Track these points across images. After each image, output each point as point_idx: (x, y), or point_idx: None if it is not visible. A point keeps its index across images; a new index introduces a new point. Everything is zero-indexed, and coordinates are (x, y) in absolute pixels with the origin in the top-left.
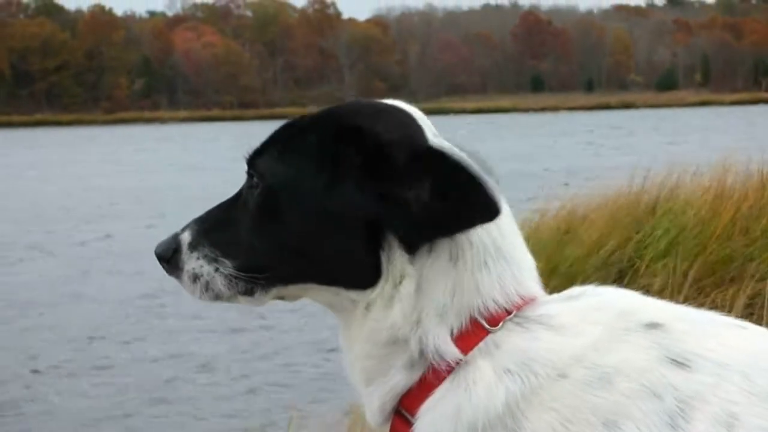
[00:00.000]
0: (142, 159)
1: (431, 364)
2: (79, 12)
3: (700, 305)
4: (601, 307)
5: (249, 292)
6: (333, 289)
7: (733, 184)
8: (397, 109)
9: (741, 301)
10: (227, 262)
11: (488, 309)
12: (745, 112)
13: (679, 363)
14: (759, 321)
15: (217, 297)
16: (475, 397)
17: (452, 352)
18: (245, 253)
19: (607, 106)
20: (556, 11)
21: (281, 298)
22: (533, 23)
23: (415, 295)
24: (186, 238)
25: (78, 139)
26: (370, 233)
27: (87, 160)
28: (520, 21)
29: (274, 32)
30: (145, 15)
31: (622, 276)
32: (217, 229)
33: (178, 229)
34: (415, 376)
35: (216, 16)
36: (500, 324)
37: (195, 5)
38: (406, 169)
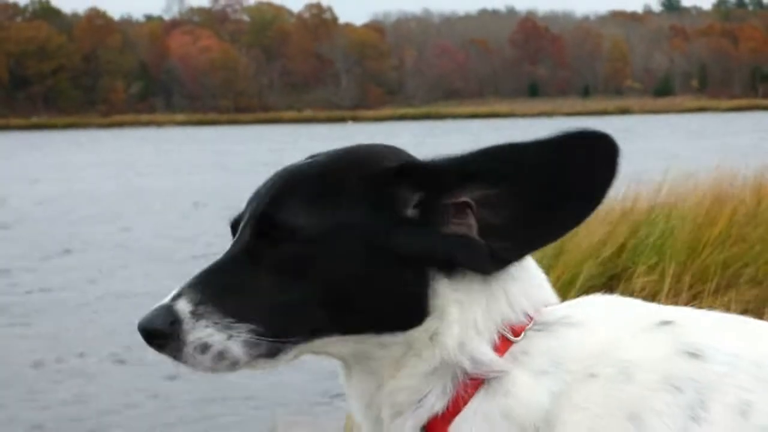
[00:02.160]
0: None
1: (462, 383)
2: (75, 16)
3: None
4: (614, 308)
5: (272, 354)
6: (361, 337)
7: (728, 191)
8: (406, 153)
9: (736, 306)
10: (244, 327)
11: (517, 319)
12: (742, 119)
13: (693, 354)
14: None
15: (233, 365)
16: (521, 399)
17: (500, 363)
18: (270, 315)
19: (603, 112)
20: (552, 17)
21: (293, 358)
22: (530, 29)
23: (459, 320)
24: (184, 307)
25: (76, 142)
26: (422, 271)
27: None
28: (517, 27)
29: (270, 37)
30: (141, 19)
31: (616, 279)
32: (225, 294)
33: (165, 300)
34: (448, 398)
35: (213, 21)
36: (522, 333)
37: (192, 9)
38: (458, 203)
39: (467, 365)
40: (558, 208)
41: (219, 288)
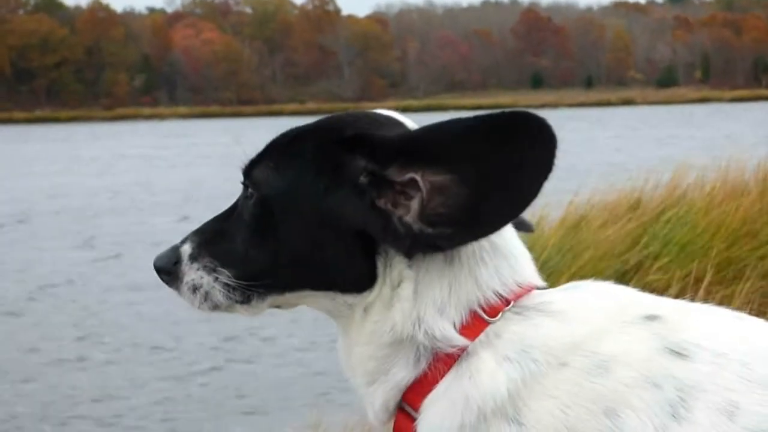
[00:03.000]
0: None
1: (434, 358)
2: (78, 8)
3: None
4: (601, 297)
5: (246, 301)
6: (330, 294)
7: (738, 186)
8: (394, 120)
9: (747, 300)
10: (225, 272)
11: (488, 301)
12: (745, 109)
13: (677, 353)
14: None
15: (216, 307)
16: (481, 384)
17: (459, 339)
18: (242, 263)
19: (607, 103)
20: (555, 8)
21: (278, 306)
22: (533, 20)
23: (413, 296)
24: (186, 250)
25: (83, 135)
26: (365, 238)
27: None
28: (520, 18)
29: (273, 29)
30: (144, 11)
31: (628, 275)
32: (215, 241)
33: (176, 241)
34: (418, 371)
35: (215, 13)
36: (499, 314)
37: (194, 2)
38: (404, 181)
39: (422, 340)
40: (498, 203)
41: (214, 235)
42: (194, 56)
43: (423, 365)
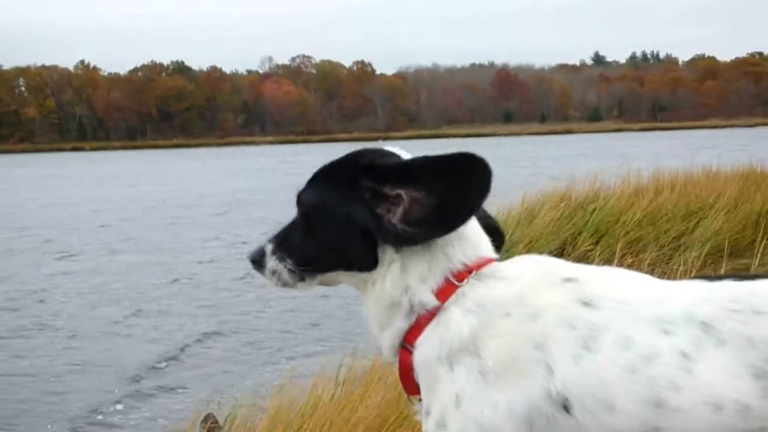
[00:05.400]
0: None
1: (421, 312)
2: (201, 71)
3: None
4: (534, 266)
5: (302, 279)
6: (352, 273)
7: (641, 188)
8: (394, 153)
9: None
10: (290, 261)
11: (457, 270)
12: (647, 136)
13: (587, 303)
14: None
15: (285, 284)
16: (451, 329)
17: (433, 301)
18: (299, 254)
19: (554, 132)
20: (519, 68)
21: (322, 284)
22: (504, 76)
23: (401, 272)
24: (269, 247)
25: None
26: (369, 234)
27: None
28: (496, 75)
29: (330, 82)
30: (244, 72)
31: (564, 252)
32: (284, 241)
33: (263, 241)
34: (412, 320)
35: (292, 73)
36: (465, 280)
37: (277, 65)
38: (394, 195)
39: (406, 303)
40: (453, 210)
41: (284, 237)
42: (278, 102)
43: (414, 317)
